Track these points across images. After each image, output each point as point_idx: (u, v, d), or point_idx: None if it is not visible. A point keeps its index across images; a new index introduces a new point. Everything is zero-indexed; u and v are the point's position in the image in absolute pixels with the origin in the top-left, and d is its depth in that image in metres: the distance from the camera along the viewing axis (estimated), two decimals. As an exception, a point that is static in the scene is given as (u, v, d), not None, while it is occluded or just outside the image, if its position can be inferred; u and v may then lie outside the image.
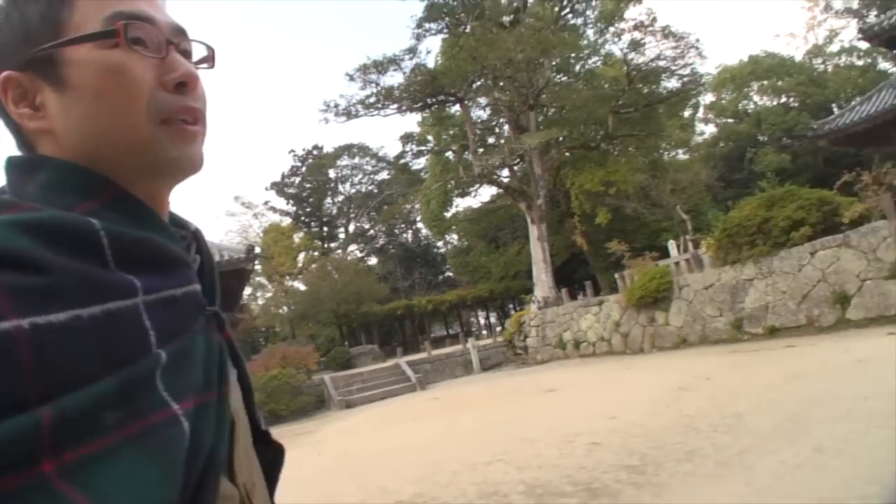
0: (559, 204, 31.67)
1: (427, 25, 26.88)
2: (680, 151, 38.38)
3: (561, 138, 26.68)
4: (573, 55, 31.08)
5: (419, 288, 48.64)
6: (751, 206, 14.54)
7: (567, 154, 29.92)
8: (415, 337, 41.28)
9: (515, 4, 27.33)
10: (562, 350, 22.11)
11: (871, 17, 33.67)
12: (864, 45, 31.95)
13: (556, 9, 26.95)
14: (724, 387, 9.51)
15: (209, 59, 0.78)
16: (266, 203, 51.79)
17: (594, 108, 25.36)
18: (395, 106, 25.63)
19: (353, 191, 56.29)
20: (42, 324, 0.49)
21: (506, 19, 27.28)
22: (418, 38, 26.81)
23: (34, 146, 0.70)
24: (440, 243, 51.40)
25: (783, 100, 42.00)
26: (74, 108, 0.66)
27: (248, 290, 45.64)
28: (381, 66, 24.87)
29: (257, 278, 46.22)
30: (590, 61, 32.40)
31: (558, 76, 32.74)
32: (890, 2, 34.67)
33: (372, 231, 56.71)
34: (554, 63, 31.50)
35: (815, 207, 13.28)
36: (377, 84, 25.23)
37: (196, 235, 0.77)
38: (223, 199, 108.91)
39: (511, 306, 41.52)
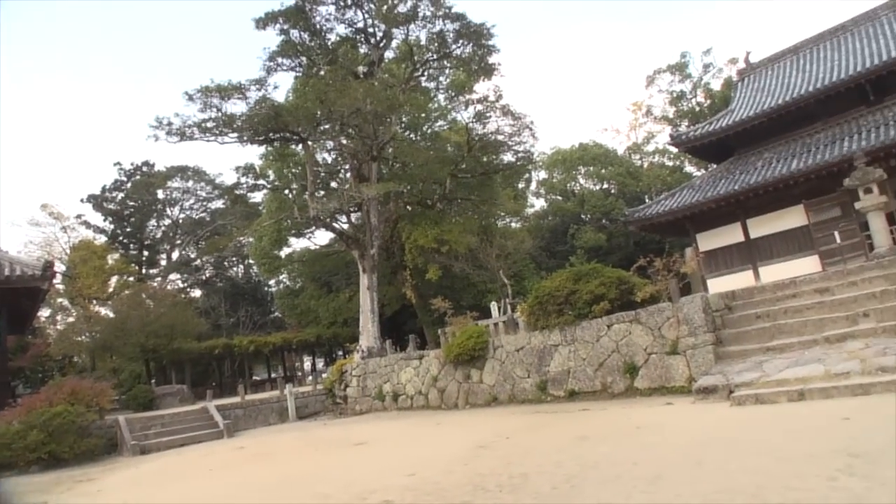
0: (394, 256, 32.12)
1: (280, 60, 26.56)
2: (512, 220, 40.89)
3: (401, 192, 27.31)
4: (422, 115, 32.28)
5: (244, 327, 46.36)
6: (561, 278, 15.78)
7: (408, 208, 30.59)
8: (233, 379, 38.94)
9: (371, 58, 27.98)
10: (381, 402, 22.04)
11: (683, 127, 38.93)
12: (673, 149, 36.58)
13: (410, 70, 27.92)
14: (519, 446, 9.96)
15: None
16: (79, 217, 46.87)
17: (435, 169, 26.34)
18: (236, 135, 24.73)
19: (182, 216, 53.00)
20: None
21: (361, 69, 27.75)
22: (269, 70, 26.39)
23: None
24: (272, 282, 49.55)
25: (604, 186, 46.61)
26: None
27: (46, 312, 40.64)
28: (225, 91, 23.96)
29: (59, 300, 41.34)
30: (437, 124, 33.83)
31: (406, 133, 33.76)
32: (698, 118, 40.40)
33: (199, 261, 53.46)
34: (404, 120, 32.44)
35: (615, 285, 14.72)
36: (219, 109, 24.25)
37: None
38: (29, 204, 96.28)
39: (340, 353, 40.86)
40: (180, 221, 52.39)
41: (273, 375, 42.86)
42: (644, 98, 53.92)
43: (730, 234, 24.19)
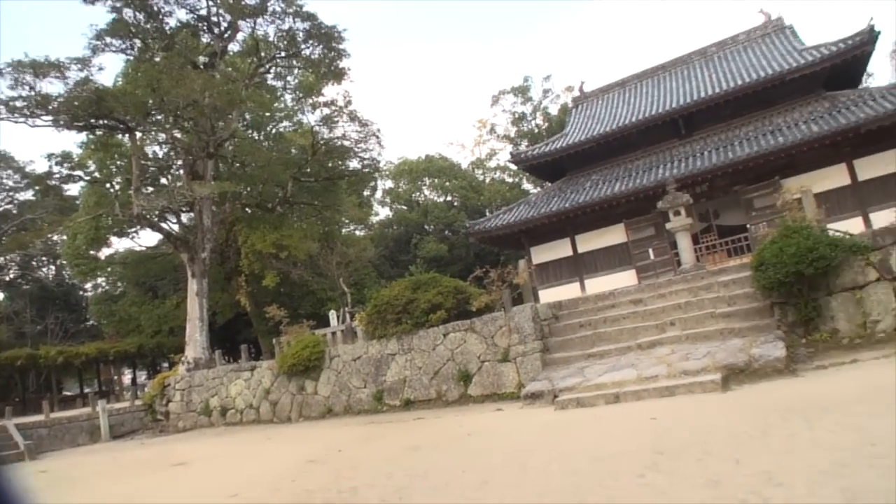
0: (229, 260, 30.38)
1: (109, 40, 23.94)
2: (356, 228, 40.52)
3: (239, 193, 25.86)
4: (266, 114, 30.94)
5: (53, 335, 41.42)
6: (400, 286, 15.76)
7: (247, 211, 29.08)
8: (38, 394, 34.50)
9: (213, 48, 26.25)
10: (207, 417, 20.59)
11: (523, 146, 41.10)
12: (513, 166, 38.41)
13: (255, 65, 26.61)
14: (351, 459, 9.67)
15: None
16: None
17: (277, 171, 25.26)
18: (51, 118, 21.91)
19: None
20: None
21: (201, 59, 25.96)
22: (94, 50, 23.62)
23: None
24: (89, 286, 44.75)
25: (448, 198, 47.84)
26: None
27: None
28: (41, 68, 21.12)
29: None
30: (282, 125, 32.63)
31: (248, 131, 32.13)
32: (536, 139, 42.83)
33: (1, 259, 46.95)
34: (247, 117, 30.86)
35: (452, 294, 14.96)
36: (32, 88, 21.35)
37: None
38: None
39: (165, 365, 37.80)
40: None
41: (87, 390, 38.64)
42: (489, 116, 56.67)
43: (560, 248, 25.80)
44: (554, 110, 47.46)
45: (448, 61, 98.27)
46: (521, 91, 49.09)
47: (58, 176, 28.44)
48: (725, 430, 6.85)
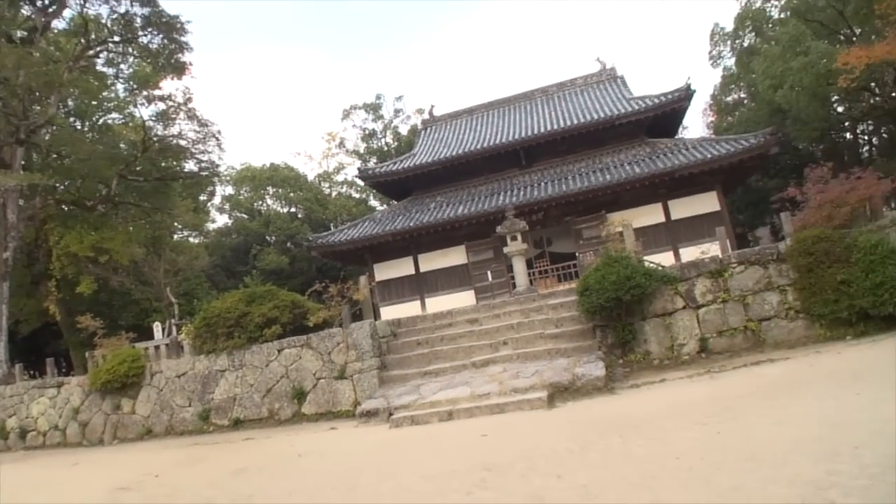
0: (38, 262, 27.00)
1: None
2: (190, 234, 38.01)
3: (54, 188, 23.05)
4: (93, 103, 28.09)
5: None
6: (233, 298, 14.93)
7: (63, 207, 26.06)
8: None
9: (34, 23, 23.30)
10: (3, 441, 18.01)
11: (371, 163, 41.11)
12: (361, 182, 38.31)
13: (82, 48, 24.05)
14: (168, 485, 8.93)
15: None
16: None
17: (101, 166, 22.89)
18: None
19: None
20: None
21: (18, 34, 22.97)
22: None
23: None
24: None
25: (292, 209, 46.53)
26: None
27: None
28: None
29: None
30: (111, 116, 29.83)
31: (73, 121, 28.97)
32: (385, 157, 43.11)
33: None
34: (70, 104, 27.84)
35: (289, 308, 14.45)
36: None
37: None
38: None
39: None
40: None
41: None
42: (339, 130, 55.93)
43: (403, 267, 26.07)
44: (404, 130, 48.16)
45: (300, 69, 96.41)
46: (373, 108, 49.29)
47: None
48: (549, 447, 7.22)
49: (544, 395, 9.92)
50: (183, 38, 24.35)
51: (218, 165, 27.28)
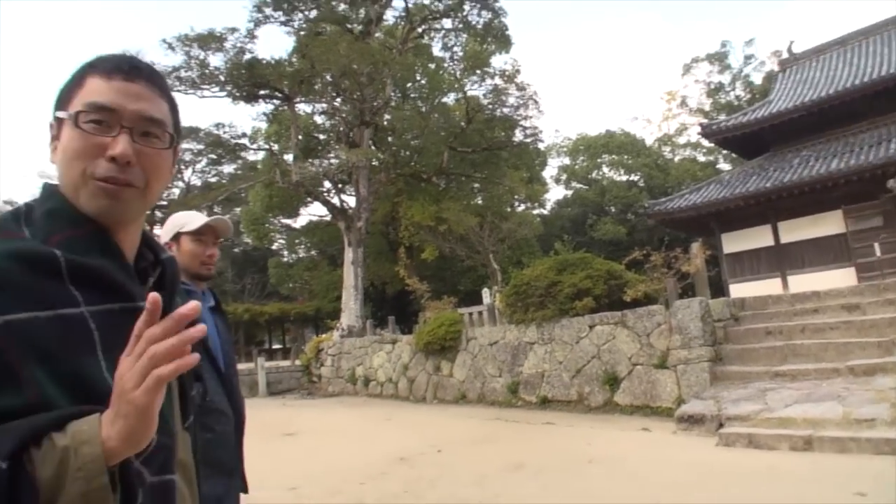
0: (392, 231, 30.08)
1: (268, 12, 24.10)
2: (527, 204, 38.45)
3: (392, 162, 25.05)
4: (425, 83, 29.82)
5: (250, 294, 44.91)
6: (543, 266, 13.50)
7: (407, 182, 28.42)
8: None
9: (369, 16, 25.48)
10: (353, 385, 20.27)
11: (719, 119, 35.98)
12: (707, 143, 33.76)
13: (406, 28, 25.52)
14: (440, 466, 7.98)
15: (168, 144, 1.05)
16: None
17: (433, 140, 24.07)
18: (217, 88, 22.63)
19: (197, 181, 51.33)
20: (11, 320, 0.82)
21: (357, 28, 25.44)
22: (257, 23, 23.93)
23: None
24: (286, 252, 47.84)
25: (630, 177, 43.73)
26: (59, 157, 1.00)
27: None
28: (204, 41, 21.78)
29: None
30: (448, 96, 31.47)
31: (416, 102, 31.41)
32: (735, 111, 37.38)
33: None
34: (409, 86, 30.07)
35: (603, 279, 12.40)
36: (199, 60, 22.11)
37: (164, 263, 1.09)
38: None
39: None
40: (191, 186, 50.83)
41: (276, 346, 41.75)
42: (679, 88, 50.86)
43: (759, 237, 21.62)
44: (757, 79, 41.08)
45: (629, 31, 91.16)
46: (718, 58, 43.14)
47: (243, 146, 30.09)
48: None
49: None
50: (497, 5, 24.10)
51: (541, 131, 26.56)
